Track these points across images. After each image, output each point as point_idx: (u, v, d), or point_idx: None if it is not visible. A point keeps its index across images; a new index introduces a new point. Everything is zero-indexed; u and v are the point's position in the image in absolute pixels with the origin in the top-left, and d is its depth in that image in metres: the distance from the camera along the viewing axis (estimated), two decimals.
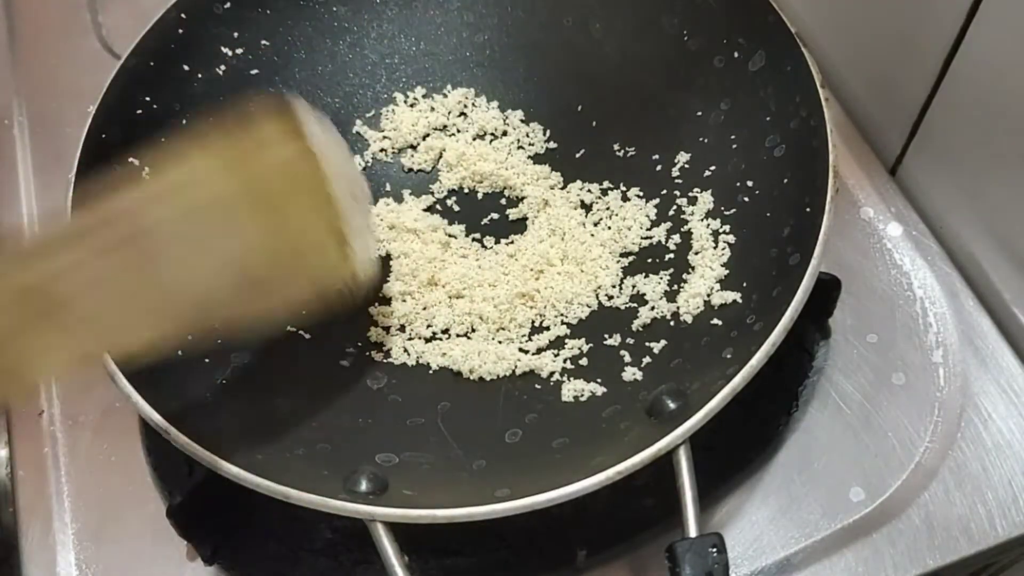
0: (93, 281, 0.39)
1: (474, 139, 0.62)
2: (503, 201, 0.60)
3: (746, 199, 0.53)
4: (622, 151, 0.59)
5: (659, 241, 0.55)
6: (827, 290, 0.53)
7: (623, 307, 0.54)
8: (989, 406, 0.52)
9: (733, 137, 0.55)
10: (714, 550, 0.39)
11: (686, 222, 0.55)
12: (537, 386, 0.51)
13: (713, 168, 0.55)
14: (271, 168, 0.44)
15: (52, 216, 0.41)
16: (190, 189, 0.42)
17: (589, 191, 0.58)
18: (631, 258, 0.55)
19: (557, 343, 0.53)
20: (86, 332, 0.40)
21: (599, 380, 0.50)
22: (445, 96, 0.63)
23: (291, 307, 0.45)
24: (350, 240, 0.46)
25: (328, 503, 0.41)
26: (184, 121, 0.56)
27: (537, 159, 0.61)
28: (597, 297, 0.54)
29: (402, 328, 0.54)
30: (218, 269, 0.42)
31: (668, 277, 0.53)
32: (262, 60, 0.60)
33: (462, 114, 0.63)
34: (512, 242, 0.58)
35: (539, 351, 0.53)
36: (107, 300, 0.39)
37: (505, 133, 0.62)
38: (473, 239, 0.58)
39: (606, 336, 0.52)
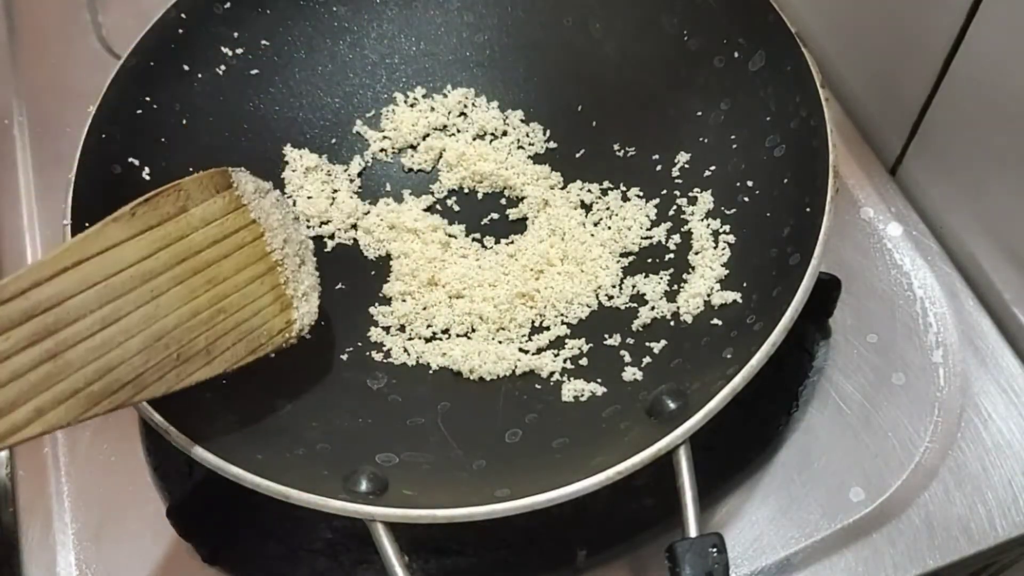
0: (5, 379, 0.38)
1: (474, 139, 0.62)
2: (503, 201, 0.60)
3: (746, 199, 0.53)
4: (622, 151, 0.59)
5: (659, 241, 0.55)
6: (827, 290, 0.53)
7: (623, 307, 0.54)
8: (989, 406, 0.52)
9: (733, 137, 0.55)
10: (714, 550, 0.39)
11: (686, 222, 0.55)
12: (537, 386, 0.51)
13: (713, 168, 0.55)
14: (204, 241, 0.45)
15: None
16: (112, 271, 0.42)
17: (589, 191, 0.58)
18: (631, 258, 0.55)
19: (557, 343, 0.53)
20: None
21: (599, 380, 0.50)
22: (445, 96, 0.63)
23: (226, 369, 0.45)
24: (296, 305, 0.48)
25: (328, 503, 0.41)
26: (184, 121, 0.56)
27: (537, 159, 0.61)
28: (597, 297, 0.54)
29: (402, 328, 0.54)
30: (143, 350, 0.42)
31: (668, 277, 0.53)
32: (262, 60, 0.60)
33: (462, 114, 0.63)
34: (512, 242, 0.58)
35: (539, 351, 0.53)
36: (19, 391, 0.38)
37: (505, 133, 0.62)
38: (473, 239, 0.58)
39: (606, 336, 0.52)
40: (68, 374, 0.39)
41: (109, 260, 0.42)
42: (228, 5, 0.59)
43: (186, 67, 0.57)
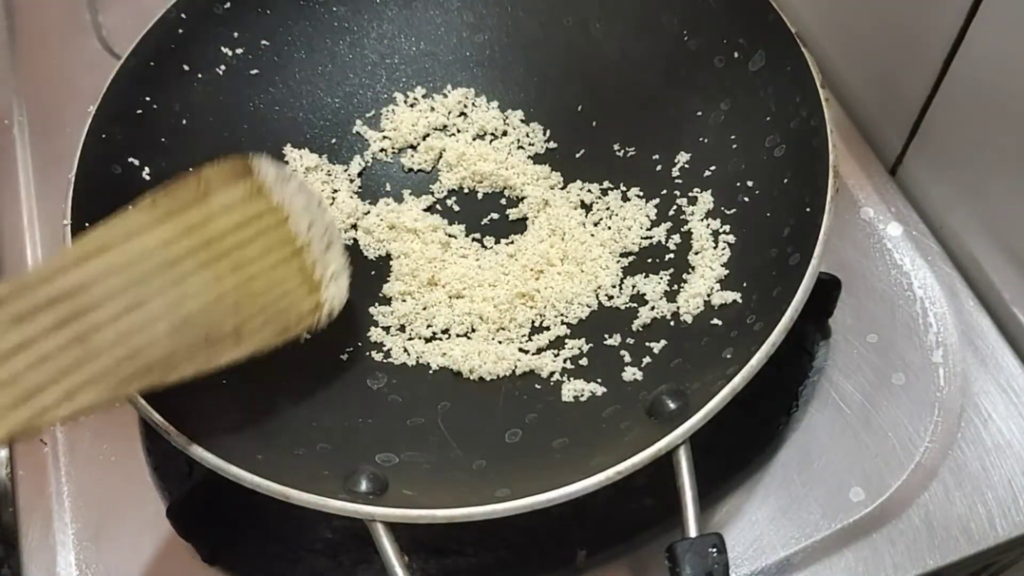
0: (34, 361, 0.38)
1: (474, 139, 0.62)
2: (503, 201, 0.60)
3: (746, 199, 0.53)
4: (622, 151, 0.59)
5: (659, 241, 0.55)
6: (827, 290, 0.53)
7: (623, 307, 0.54)
8: (989, 406, 0.52)
9: (733, 137, 0.55)
10: (714, 550, 0.39)
11: (686, 222, 0.55)
12: (537, 386, 0.51)
13: (713, 168, 0.55)
14: (227, 227, 0.45)
15: None
16: (135, 257, 0.42)
17: (589, 191, 0.58)
18: (631, 258, 0.55)
19: (557, 343, 0.53)
20: (22, 407, 0.38)
21: (599, 380, 0.50)
22: (445, 96, 0.63)
23: (255, 351, 0.46)
24: (324, 287, 0.48)
25: (328, 503, 0.41)
26: (184, 121, 0.56)
27: (537, 159, 0.61)
28: (597, 297, 0.54)
29: (402, 328, 0.54)
30: (170, 333, 0.42)
31: (668, 277, 0.53)
32: (262, 60, 0.60)
33: (462, 114, 0.63)
34: (512, 242, 0.58)
35: (539, 351, 0.53)
36: (47, 374, 0.39)
37: (505, 133, 0.62)
38: (473, 239, 0.58)
39: (606, 336, 0.52)
40: (96, 357, 0.40)
41: (132, 247, 0.42)
42: (228, 5, 0.59)
43: (186, 67, 0.57)
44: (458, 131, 0.62)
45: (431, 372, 0.52)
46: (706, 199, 0.55)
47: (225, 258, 0.45)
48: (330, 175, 0.60)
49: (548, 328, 0.54)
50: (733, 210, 0.53)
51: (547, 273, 0.55)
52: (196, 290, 0.44)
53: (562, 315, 0.54)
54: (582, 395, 0.49)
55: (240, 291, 0.45)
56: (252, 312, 0.45)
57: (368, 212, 0.59)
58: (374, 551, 0.41)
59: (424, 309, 0.55)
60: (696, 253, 0.53)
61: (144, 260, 0.43)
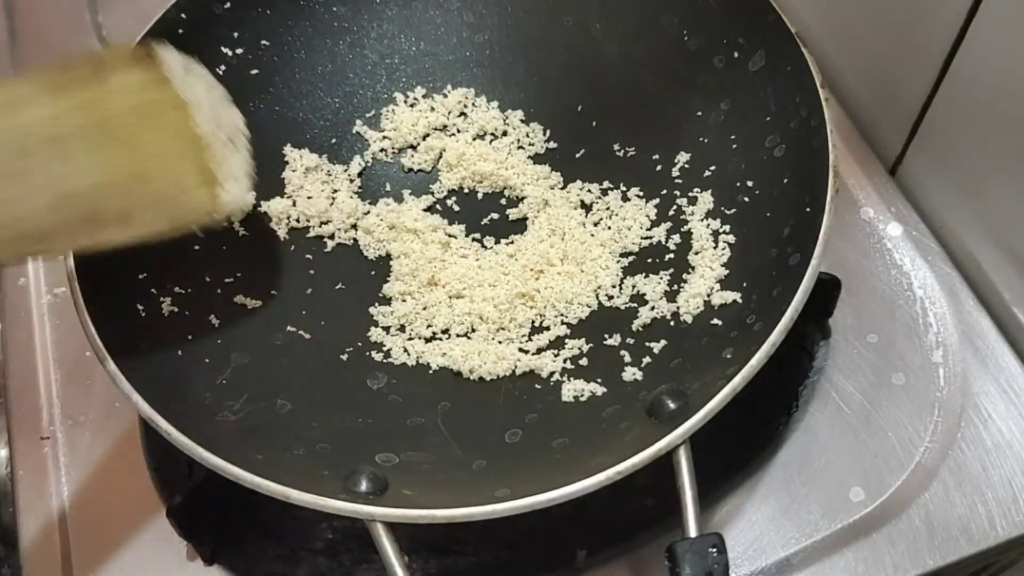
0: None
1: (474, 139, 0.62)
2: (503, 201, 0.60)
3: (746, 199, 0.53)
4: (622, 151, 0.59)
5: (659, 241, 0.55)
6: (827, 290, 0.53)
7: (623, 307, 0.54)
8: (989, 406, 0.52)
9: (733, 137, 0.55)
10: (714, 550, 0.39)
11: (686, 222, 0.55)
12: (537, 386, 0.51)
13: (713, 168, 0.55)
14: (122, 110, 0.44)
15: None
16: (16, 126, 0.41)
17: (589, 191, 0.58)
18: (631, 258, 0.55)
19: (557, 343, 0.53)
20: None
21: (599, 380, 0.50)
22: (445, 96, 0.63)
23: (144, 237, 0.45)
24: (220, 182, 0.47)
25: (328, 503, 0.41)
26: None
27: (537, 159, 0.61)
28: (597, 297, 0.54)
29: (402, 328, 0.54)
30: (50, 207, 0.41)
31: (668, 277, 0.53)
32: (262, 60, 0.60)
33: (462, 114, 0.62)
34: (512, 242, 0.58)
35: (539, 351, 0.53)
36: None
37: (505, 133, 0.62)
38: (473, 239, 0.58)
39: (606, 336, 0.52)
40: None
41: (12, 114, 0.41)
42: (228, 5, 0.59)
43: None
44: (458, 131, 0.62)
45: (431, 372, 0.52)
46: (706, 199, 0.55)
47: (117, 140, 0.44)
48: (330, 175, 0.60)
49: (548, 328, 0.54)
50: (733, 210, 0.53)
51: (547, 273, 0.55)
52: (82, 169, 0.43)
53: (562, 315, 0.54)
54: (582, 395, 0.49)
55: (131, 176, 0.44)
56: (143, 198, 0.44)
57: (368, 212, 0.59)
58: (374, 551, 0.41)
59: (424, 309, 0.55)
60: (696, 253, 0.53)
61: (25, 129, 0.41)
